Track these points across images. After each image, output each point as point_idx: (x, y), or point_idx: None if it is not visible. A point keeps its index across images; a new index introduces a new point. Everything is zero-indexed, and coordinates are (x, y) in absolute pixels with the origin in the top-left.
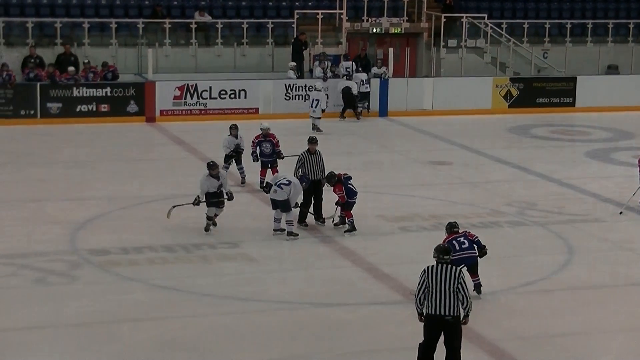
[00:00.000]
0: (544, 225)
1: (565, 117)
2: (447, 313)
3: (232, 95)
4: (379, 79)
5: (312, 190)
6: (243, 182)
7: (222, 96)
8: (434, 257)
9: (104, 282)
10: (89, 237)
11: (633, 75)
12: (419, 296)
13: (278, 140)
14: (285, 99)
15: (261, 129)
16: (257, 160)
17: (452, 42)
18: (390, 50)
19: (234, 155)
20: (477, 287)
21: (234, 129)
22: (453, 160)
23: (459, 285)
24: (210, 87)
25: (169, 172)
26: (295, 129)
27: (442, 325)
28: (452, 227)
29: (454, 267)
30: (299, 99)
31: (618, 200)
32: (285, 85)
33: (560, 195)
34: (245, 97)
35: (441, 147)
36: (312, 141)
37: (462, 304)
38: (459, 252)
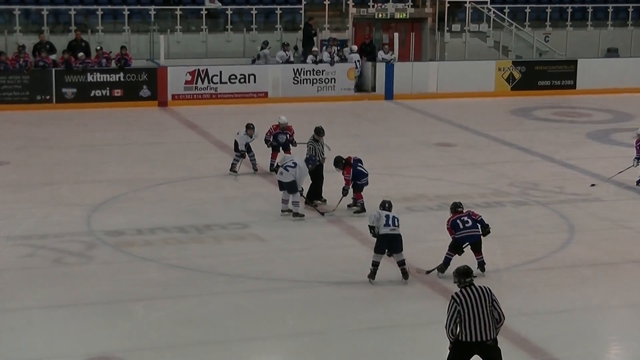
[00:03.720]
0: (546, 205)
1: (567, 99)
2: (486, 338)
3: (242, 80)
4: (385, 64)
5: (318, 173)
6: (255, 169)
7: (232, 81)
8: (455, 282)
9: (119, 262)
10: (103, 218)
11: (632, 58)
12: (451, 327)
13: (294, 132)
14: (294, 83)
15: (280, 123)
16: (270, 147)
17: (456, 27)
18: (396, 35)
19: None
20: (481, 265)
21: (250, 128)
22: (457, 142)
23: (493, 303)
24: (220, 72)
25: (180, 155)
26: (303, 112)
27: (481, 351)
28: (456, 207)
29: (481, 287)
30: (307, 82)
31: (618, 180)
32: (294, 69)
33: (561, 175)
34: (254, 82)
35: (445, 129)
36: (321, 132)
37: (498, 323)
38: (462, 231)
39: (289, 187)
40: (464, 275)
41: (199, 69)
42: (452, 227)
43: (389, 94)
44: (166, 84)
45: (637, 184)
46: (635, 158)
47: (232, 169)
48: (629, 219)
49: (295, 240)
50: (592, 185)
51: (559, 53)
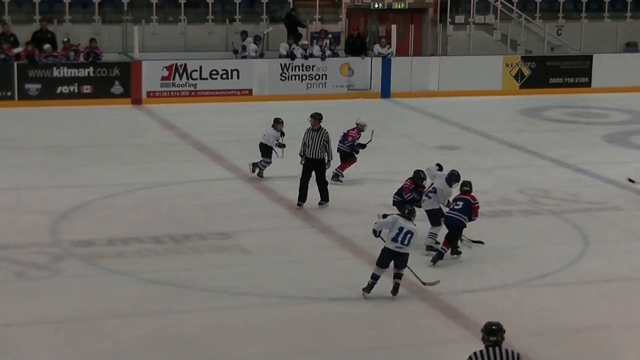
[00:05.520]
0: (558, 214)
1: (581, 98)
2: None
3: (224, 76)
4: (381, 59)
5: (311, 169)
6: (261, 176)
7: (213, 76)
8: (482, 339)
9: (89, 275)
10: (72, 227)
11: None
12: None
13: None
14: (281, 79)
15: (359, 123)
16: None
17: (460, 18)
18: (393, 27)
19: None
20: (439, 256)
21: (279, 123)
22: (461, 144)
23: None
24: (200, 67)
25: (157, 158)
26: (292, 111)
27: None
28: (462, 186)
29: (508, 351)
30: (295, 79)
31: (637, 187)
32: (281, 65)
33: (575, 181)
34: (238, 78)
35: (448, 130)
36: (314, 117)
37: None
38: (449, 212)
39: (431, 217)
40: (489, 333)
41: (176, 64)
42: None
43: (385, 92)
44: (140, 80)
45: None
46: None
47: (260, 174)
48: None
49: (283, 252)
50: (630, 180)
51: (572, 47)
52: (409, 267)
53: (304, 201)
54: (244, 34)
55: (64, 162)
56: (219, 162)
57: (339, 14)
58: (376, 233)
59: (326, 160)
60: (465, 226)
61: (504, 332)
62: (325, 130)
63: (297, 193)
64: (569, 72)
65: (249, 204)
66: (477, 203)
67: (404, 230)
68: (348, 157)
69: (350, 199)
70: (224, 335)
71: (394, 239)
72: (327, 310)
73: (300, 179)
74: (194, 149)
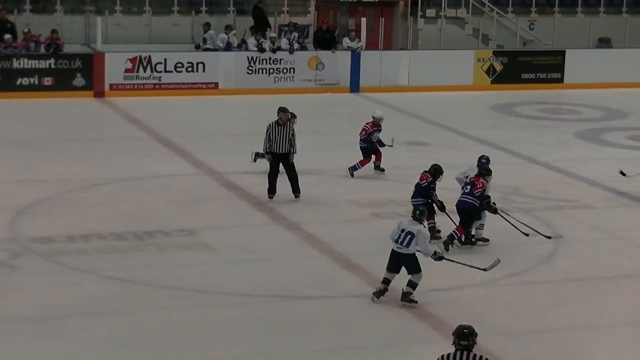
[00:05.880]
0: (529, 212)
1: (553, 94)
2: None
3: (190, 69)
4: (350, 52)
5: (279, 164)
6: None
7: (178, 69)
8: (453, 343)
9: (48, 273)
10: (31, 223)
11: (626, 49)
12: None
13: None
14: (248, 73)
15: (375, 117)
16: (383, 145)
17: (431, 12)
18: (363, 20)
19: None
20: (449, 238)
21: (284, 111)
22: (430, 140)
23: None
24: (165, 60)
25: (120, 153)
26: (259, 105)
27: None
28: (487, 172)
29: (479, 357)
30: (263, 72)
31: (609, 185)
32: (248, 58)
33: (546, 179)
34: (203, 71)
35: (417, 126)
36: (285, 111)
37: None
38: (461, 197)
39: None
40: (460, 336)
41: (140, 56)
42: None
43: (354, 87)
44: (103, 72)
45: None
46: None
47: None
48: (621, 228)
49: (248, 250)
50: (622, 173)
51: (545, 43)
52: (461, 262)
53: (274, 193)
54: (207, 26)
55: (23, 156)
56: (183, 157)
57: (307, 7)
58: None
59: (291, 156)
60: (476, 208)
61: (476, 335)
62: (291, 124)
63: (267, 187)
64: (541, 68)
65: (214, 200)
66: (482, 184)
67: (405, 232)
68: (367, 153)
69: (318, 196)
70: (185, 335)
71: (396, 240)
72: (291, 310)
73: (269, 175)
74: (158, 144)
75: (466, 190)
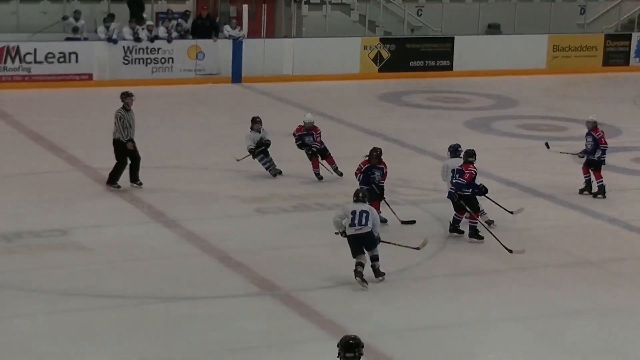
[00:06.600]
0: (418, 204)
1: (442, 83)
2: None
3: (62, 59)
4: (232, 41)
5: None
6: (276, 173)
7: (49, 60)
8: (338, 355)
9: None
10: None
11: (516, 35)
12: None
13: (320, 132)
14: (124, 63)
15: (305, 122)
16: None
17: None
18: (245, 7)
19: (259, 148)
20: (472, 230)
21: (257, 123)
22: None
23: None
24: (35, 50)
25: None
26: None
27: None
28: (468, 156)
29: None
30: (140, 63)
31: (500, 175)
32: (124, 47)
33: (436, 170)
34: (76, 62)
35: (302, 117)
36: (129, 95)
37: None
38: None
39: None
40: (346, 348)
41: (8, 46)
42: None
43: (236, 77)
44: None
45: (580, 193)
46: (584, 151)
47: (272, 172)
48: (512, 219)
49: (126, 249)
50: (547, 145)
51: (433, 29)
52: (397, 244)
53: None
54: (78, 14)
55: None
56: (55, 153)
57: None
58: (341, 234)
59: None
60: (469, 193)
61: (363, 346)
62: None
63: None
64: (429, 55)
65: (89, 198)
66: (470, 171)
67: (358, 211)
68: (312, 155)
69: (198, 191)
70: (57, 342)
71: (352, 224)
72: (171, 311)
73: (120, 164)
74: (27, 139)
75: (456, 180)
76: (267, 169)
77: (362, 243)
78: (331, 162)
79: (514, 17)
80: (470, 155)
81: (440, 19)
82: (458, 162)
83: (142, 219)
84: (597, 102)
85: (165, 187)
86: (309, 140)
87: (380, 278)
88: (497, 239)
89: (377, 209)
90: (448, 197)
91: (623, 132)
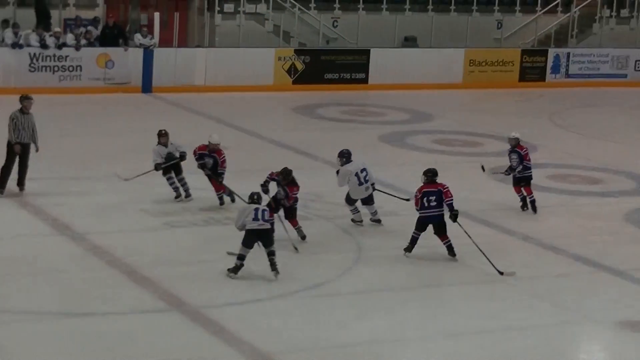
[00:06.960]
0: (331, 220)
1: (358, 95)
2: None
3: None
4: (142, 50)
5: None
6: (188, 196)
7: None
8: None
9: None
10: None
11: (433, 49)
12: None
13: (225, 160)
14: (30, 70)
15: (210, 142)
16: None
17: (229, 7)
18: (156, 15)
19: (168, 163)
20: (450, 249)
21: (163, 136)
22: (228, 144)
23: None
24: None
25: None
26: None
27: None
28: (433, 175)
29: None
30: (47, 70)
31: (413, 190)
32: (30, 54)
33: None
34: None
35: (214, 128)
36: (27, 98)
37: None
38: (426, 210)
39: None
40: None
41: None
42: (420, 201)
43: (146, 86)
44: None
45: (523, 209)
46: (510, 168)
47: (176, 193)
48: (426, 236)
49: (29, 263)
50: (482, 168)
51: (349, 41)
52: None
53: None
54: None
55: None
56: None
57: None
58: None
59: (36, 147)
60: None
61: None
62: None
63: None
64: (345, 67)
65: None
66: (452, 199)
67: (260, 209)
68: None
69: (105, 204)
70: None
71: (255, 219)
72: (77, 327)
73: (6, 166)
74: None
75: (432, 204)
76: (174, 189)
77: (260, 238)
78: (217, 189)
79: (431, 30)
80: (435, 174)
81: (356, 31)
82: (358, 166)
83: (47, 231)
84: (512, 117)
85: (70, 199)
86: (207, 162)
87: (276, 272)
88: (489, 259)
89: (295, 225)
90: (425, 220)
91: (539, 149)
